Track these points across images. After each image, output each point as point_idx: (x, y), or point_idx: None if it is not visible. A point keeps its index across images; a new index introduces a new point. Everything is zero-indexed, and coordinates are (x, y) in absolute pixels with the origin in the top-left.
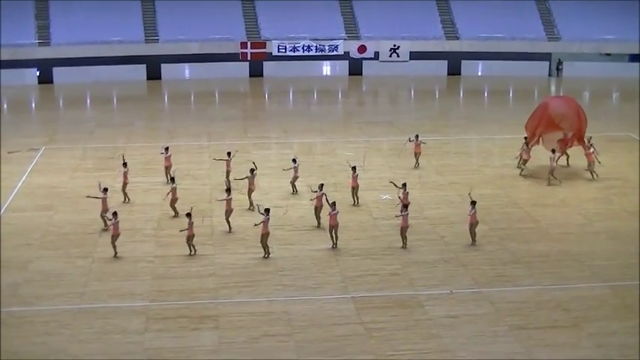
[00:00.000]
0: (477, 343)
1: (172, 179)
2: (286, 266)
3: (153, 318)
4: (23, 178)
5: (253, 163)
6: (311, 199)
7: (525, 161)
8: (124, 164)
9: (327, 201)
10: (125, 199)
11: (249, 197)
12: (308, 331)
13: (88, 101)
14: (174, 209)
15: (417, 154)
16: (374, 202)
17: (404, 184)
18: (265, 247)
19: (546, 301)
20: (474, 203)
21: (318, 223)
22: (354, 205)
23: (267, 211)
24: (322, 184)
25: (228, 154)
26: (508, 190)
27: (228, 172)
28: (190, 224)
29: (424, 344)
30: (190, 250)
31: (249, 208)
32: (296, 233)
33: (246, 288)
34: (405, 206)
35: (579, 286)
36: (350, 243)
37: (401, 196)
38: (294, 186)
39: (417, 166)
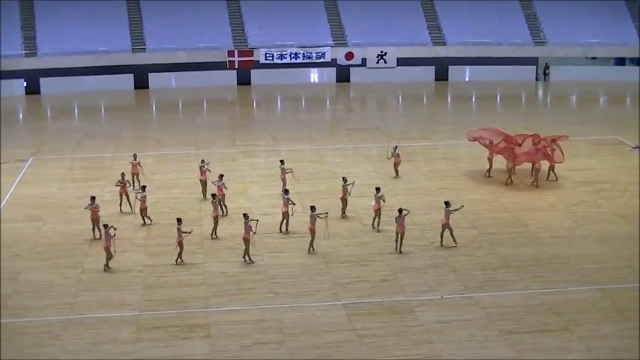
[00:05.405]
0: (468, 348)
1: (143, 187)
2: (277, 274)
3: (144, 328)
4: (11, 190)
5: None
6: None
7: (395, 165)
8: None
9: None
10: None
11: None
12: (299, 339)
13: (76, 111)
14: (143, 217)
15: (396, 164)
16: (363, 208)
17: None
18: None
19: (536, 305)
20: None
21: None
22: (342, 216)
23: (245, 215)
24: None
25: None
26: (497, 195)
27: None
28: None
29: (415, 350)
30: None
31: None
32: (286, 241)
33: (237, 296)
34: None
35: (569, 289)
36: (340, 250)
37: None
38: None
39: (396, 176)
